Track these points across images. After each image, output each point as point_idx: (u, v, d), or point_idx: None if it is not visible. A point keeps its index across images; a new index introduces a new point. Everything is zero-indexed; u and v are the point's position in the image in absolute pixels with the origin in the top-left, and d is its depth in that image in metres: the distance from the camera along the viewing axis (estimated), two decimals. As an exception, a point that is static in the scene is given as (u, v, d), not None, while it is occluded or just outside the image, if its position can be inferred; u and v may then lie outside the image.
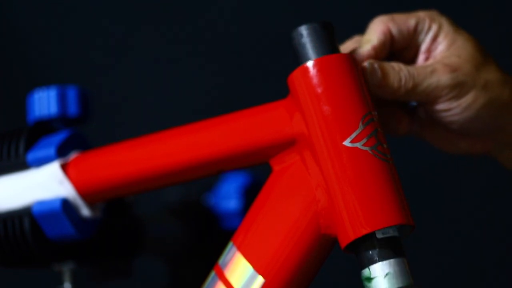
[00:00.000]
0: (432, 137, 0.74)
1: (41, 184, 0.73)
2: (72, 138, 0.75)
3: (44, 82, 0.88)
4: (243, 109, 0.69)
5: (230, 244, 0.68)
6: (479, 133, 0.71)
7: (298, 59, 0.65)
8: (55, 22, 1.46)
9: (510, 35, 1.37)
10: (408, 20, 0.70)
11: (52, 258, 0.77)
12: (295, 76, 0.65)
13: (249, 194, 0.94)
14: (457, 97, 0.69)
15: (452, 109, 0.69)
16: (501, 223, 1.40)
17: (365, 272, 0.62)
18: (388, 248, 0.62)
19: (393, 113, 0.73)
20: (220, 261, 0.68)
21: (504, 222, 1.40)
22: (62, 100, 0.78)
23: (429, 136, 0.74)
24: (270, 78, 1.03)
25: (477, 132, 0.71)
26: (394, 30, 0.70)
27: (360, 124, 0.63)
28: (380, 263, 0.61)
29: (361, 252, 0.62)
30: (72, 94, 0.78)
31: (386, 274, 0.61)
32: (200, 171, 0.70)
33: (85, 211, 0.74)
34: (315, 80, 0.64)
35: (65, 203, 0.72)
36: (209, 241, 0.95)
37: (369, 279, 0.62)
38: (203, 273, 0.72)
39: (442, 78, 0.68)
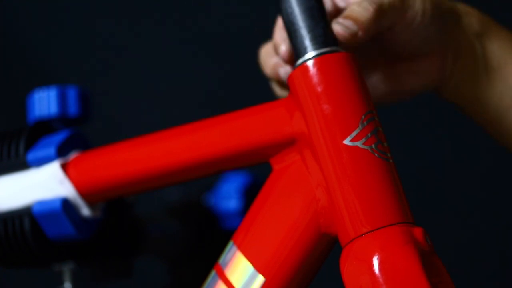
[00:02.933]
0: (380, 84, 0.73)
1: (41, 184, 0.73)
2: (72, 138, 0.75)
3: (44, 82, 0.88)
4: (243, 108, 0.69)
5: (231, 243, 0.68)
6: (428, 45, 0.72)
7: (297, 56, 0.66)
8: (55, 22, 1.46)
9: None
10: None
11: (52, 258, 0.77)
12: (294, 75, 0.65)
13: (249, 194, 0.94)
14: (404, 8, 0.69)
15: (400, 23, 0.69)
16: (501, 223, 1.40)
17: (366, 271, 0.62)
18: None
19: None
20: (221, 261, 0.68)
21: (504, 222, 1.40)
22: (62, 100, 0.78)
23: (378, 83, 0.73)
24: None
25: (426, 44, 0.71)
26: None
27: (360, 122, 0.63)
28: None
29: (362, 251, 0.62)
30: (72, 94, 0.78)
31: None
32: (200, 171, 0.70)
33: (85, 211, 0.74)
34: (315, 79, 0.64)
35: (65, 203, 0.72)
36: (209, 241, 0.95)
37: (369, 278, 0.62)
38: (203, 273, 0.72)
39: None
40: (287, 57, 0.70)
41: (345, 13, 0.68)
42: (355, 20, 0.67)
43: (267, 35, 0.75)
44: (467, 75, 0.75)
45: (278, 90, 0.76)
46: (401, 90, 0.74)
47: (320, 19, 0.65)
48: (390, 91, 0.74)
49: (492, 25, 0.76)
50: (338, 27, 0.67)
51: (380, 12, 0.68)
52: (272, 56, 0.73)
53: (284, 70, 0.72)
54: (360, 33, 0.67)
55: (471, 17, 0.75)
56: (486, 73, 0.75)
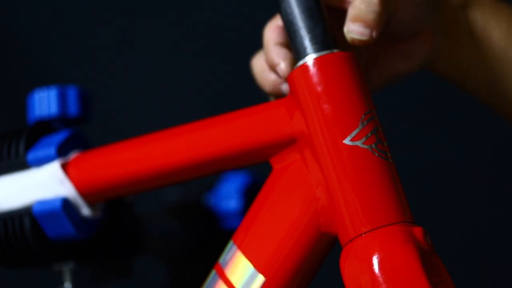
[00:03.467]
0: (374, 70, 0.74)
1: (42, 183, 0.73)
2: (72, 138, 0.75)
3: (44, 82, 0.88)
4: (243, 108, 0.69)
5: (231, 243, 0.68)
6: (422, 24, 0.72)
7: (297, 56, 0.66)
8: (55, 22, 1.46)
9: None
10: None
11: (52, 258, 0.77)
12: (294, 75, 0.65)
13: (249, 194, 0.94)
14: None
15: None
16: (501, 223, 1.40)
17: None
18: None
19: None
20: (221, 260, 0.68)
21: (504, 222, 1.40)
22: (62, 100, 0.78)
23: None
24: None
25: (420, 23, 0.71)
26: None
27: (360, 122, 0.63)
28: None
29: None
30: (72, 94, 0.78)
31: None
32: (200, 170, 0.70)
33: (85, 211, 0.74)
34: (315, 79, 0.64)
35: (66, 203, 0.72)
36: (209, 241, 0.95)
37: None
38: (203, 273, 0.72)
39: None
40: (288, 74, 0.68)
41: (351, 13, 0.67)
42: (364, 21, 0.66)
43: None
44: (455, 46, 0.76)
45: None
46: (396, 72, 0.75)
47: (320, 18, 0.65)
48: (385, 76, 0.74)
49: None
50: (352, 35, 0.66)
51: (384, 1, 0.67)
52: (269, 73, 0.71)
53: (286, 87, 0.71)
54: (374, 33, 0.67)
55: None
56: (473, 42, 0.76)
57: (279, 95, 0.72)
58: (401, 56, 0.74)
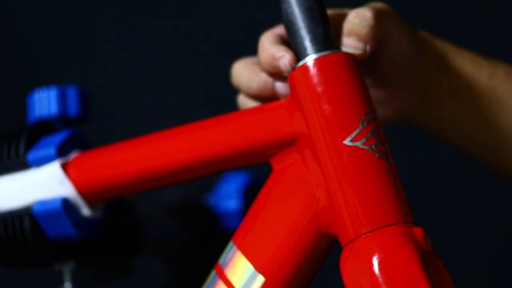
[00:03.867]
0: None
1: (42, 183, 0.73)
2: (73, 138, 0.75)
3: (44, 82, 0.88)
4: (244, 108, 0.69)
5: (231, 243, 0.68)
6: (408, 74, 0.73)
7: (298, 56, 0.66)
8: (55, 22, 1.46)
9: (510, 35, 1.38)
10: None
11: (52, 258, 0.77)
12: (295, 75, 0.65)
13: (249, 194, 0.94)
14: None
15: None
16: (501, 223, 1.40)
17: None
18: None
19: None
20: (221, 261, 0.68)
21: (504, 222, 1.40)
22: (62, 100, 0.78)
23: None
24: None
25: (406, 72, 0.73)
26: None
27: (361, 123, 0.63)
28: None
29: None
30: (72, 94, 0.78)
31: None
32: (200, 171, 0.70)
33: (85, 211, 0.74)
34: (315, 79, 0.64)
35: (66, 203, 0.72)
36: (209, 241, 0.95)
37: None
38: (203, 273, 0.72)
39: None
40: (292, 64, 0.67)
41: (346, 28, 0.68)
42: (358, 35, 0.67)
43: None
44: (435, 104, 0.77)
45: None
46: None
47: (320, 19, 0.65)
48: None
49: (451, 48, 0.78)
50: (346, 50, 0.67)
51: (379, 15, 0.68)
52: (259, 74, 0.70)
53: (280, 85, 0.70)
54: (368, 47, 0.67)
55: (435, 43, 0.77)
56: (453, 99, 0.77)
57: (266, 98, 0.71)
58: (378, 100, 0.74)
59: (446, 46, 0.78)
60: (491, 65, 0.79)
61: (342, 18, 0.69)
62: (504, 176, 0.84)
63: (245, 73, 0.71)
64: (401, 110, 0.76)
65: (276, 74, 0.68)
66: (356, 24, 0.68)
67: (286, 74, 0.67)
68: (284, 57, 0.67)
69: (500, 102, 0.79)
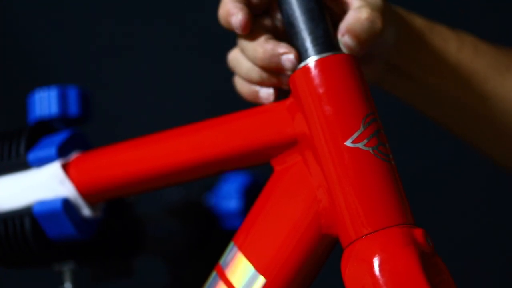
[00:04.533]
0: None
1: (42, 184, 0.73)
2: (73, 138, 0.75)
3: (44, 82, 0.88)
4: (245, 109, 0.69)
5: (231, 244, 0.68)
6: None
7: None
8: (55, 22, 1.46)
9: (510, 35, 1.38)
10: None
11: (52, 258, 0.77)
12: (296, 77, 0.65)
13: (250, 194, 0.94)
14: None
15: None
16: (502, 223, 1.40)
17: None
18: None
19: None
20: (221, 261, 0.68)
21: (504, 222, 1.40)
22: (62, 100, 0.78)
23: None
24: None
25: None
26: None
27: (362, 124, 0.63)
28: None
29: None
30: (72, 94, 0.78)
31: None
32: (201, 171, 0.70)
33: (86, 211, 0.74)
34: (316, 81, 0.64)
35: (66, 203, 0.72)
36: (210, 241, 0.95)
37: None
38: (204, 273, 0.72)
39: None
40: (245, 26, 0.66)
41: (350, 25, 0.67)
42: (359, 38, 0.67)
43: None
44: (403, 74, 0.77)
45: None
46: None
47: (321, 20, 0.65)
48: None
49: (421, 23, 0.77)
50: (343, 46, 0.67)
51: (385, 22, 0.68)
52: (244, 85, 0.70)
53: (264, 92, 0.69)
54: (361, 51, 0.67)
55: (408, 20, 0.76)
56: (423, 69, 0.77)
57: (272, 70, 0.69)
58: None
59: (418, 21, 0.77)
60: (459, 38, 0.79)
61: (344, 4, 0.69)
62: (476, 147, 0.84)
63: (249, 44, 0.69)
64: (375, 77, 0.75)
65: (278, 71, 0.68)
66: (364, 28, 0.67)
67: (289, 72, 0.67)
68: (235, 16, 0.66)
69: (469, 75, 0.78)
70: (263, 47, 0.67)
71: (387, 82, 0.78)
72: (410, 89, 0.78)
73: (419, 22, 0.77)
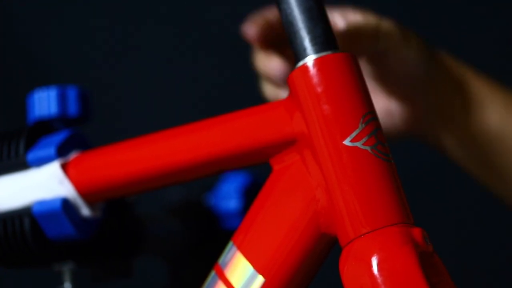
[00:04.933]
0: None
1: (41, 184, 0.73)
2: (72, 138, 0.75)
3: (44, 82, 0.88)
4: (243, 108, 0.69)
5: (230, 243, 0.68)
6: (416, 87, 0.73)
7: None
8: (55, 22, 1.46)
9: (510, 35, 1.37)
10: None
11: (52, 258, 0.77)
12: (294, 76, 0.65)
13: (249, 194, 0.94)
14: None
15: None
16: (501, 223, 1.40)
17: (365, 271, 0.62)
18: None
19: None
20: (220, 261, 0.68)
21: (504, 222, 1.40)
22: (62, 100, 0.78)
23: None
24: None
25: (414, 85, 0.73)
26: None
27: (360, 123, 0.63)
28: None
29: (361, 251, 0.62)
30: (72, 94, 0.78)
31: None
32: (200, 171, 0.70)
33: (85, 211, 0.74)
34: (315, 80, 0.64)
35: (65, 203, 0.72)
36: (209, 241, 0.95)
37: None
38: (203, 273, 0.72)
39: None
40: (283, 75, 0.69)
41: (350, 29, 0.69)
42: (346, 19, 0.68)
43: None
44: (448, 126, 0.77)
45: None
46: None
47: (320, 19, 0.65)
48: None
49: (468, 71, 0.78)
50: None
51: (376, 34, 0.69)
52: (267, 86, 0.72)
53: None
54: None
55: (453, 64, 0.77)
56: (466, 123, 0.78)
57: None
58: (389, 109, 0.74)
59: (464, 68, 0.78)
60: (506, 95, 0.79)
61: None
62: (507, 203, 0.85)
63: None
64: (411, 123, 0.76)
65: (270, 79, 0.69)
66: (357, 16, 0.68)
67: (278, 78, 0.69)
68: (272, 69, 0.70)
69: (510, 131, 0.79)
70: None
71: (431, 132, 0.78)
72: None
73: (461, 66, 0.77)
